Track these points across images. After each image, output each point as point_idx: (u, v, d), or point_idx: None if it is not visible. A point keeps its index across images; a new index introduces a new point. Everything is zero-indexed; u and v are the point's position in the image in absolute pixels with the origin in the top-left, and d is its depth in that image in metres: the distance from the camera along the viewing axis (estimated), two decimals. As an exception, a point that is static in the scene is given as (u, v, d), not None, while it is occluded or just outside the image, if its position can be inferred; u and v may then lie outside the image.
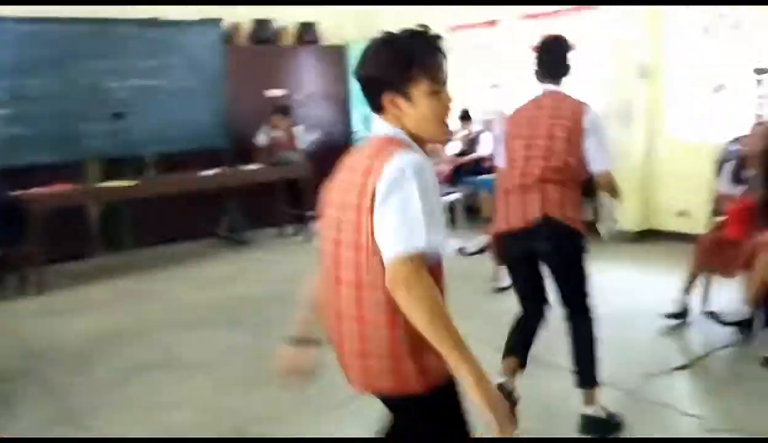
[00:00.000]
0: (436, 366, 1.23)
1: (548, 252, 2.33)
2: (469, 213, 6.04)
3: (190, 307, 4.16)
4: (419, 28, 1.31)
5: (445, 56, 1.31)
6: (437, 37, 1.30)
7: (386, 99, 1.29)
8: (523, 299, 2.50)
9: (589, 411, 2.38)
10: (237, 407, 2.77)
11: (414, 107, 1.28)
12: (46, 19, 5.36)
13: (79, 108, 5.48)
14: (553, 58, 2.42)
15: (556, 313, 2.49)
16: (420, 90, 1.27)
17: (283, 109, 6.07)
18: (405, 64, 1.27)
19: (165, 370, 3.19)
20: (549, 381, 2.79)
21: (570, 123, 2.30)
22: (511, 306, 3.85)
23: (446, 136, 1.37)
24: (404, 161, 1.21)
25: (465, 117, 6.19)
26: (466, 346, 1.14)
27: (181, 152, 5.87)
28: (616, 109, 5.11)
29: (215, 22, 6.18)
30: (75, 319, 4.15)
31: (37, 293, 4.69)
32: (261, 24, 6.68)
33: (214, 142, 6.04)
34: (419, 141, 1.33)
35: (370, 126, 8.54)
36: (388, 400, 1.36)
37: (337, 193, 1.34)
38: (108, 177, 5.37)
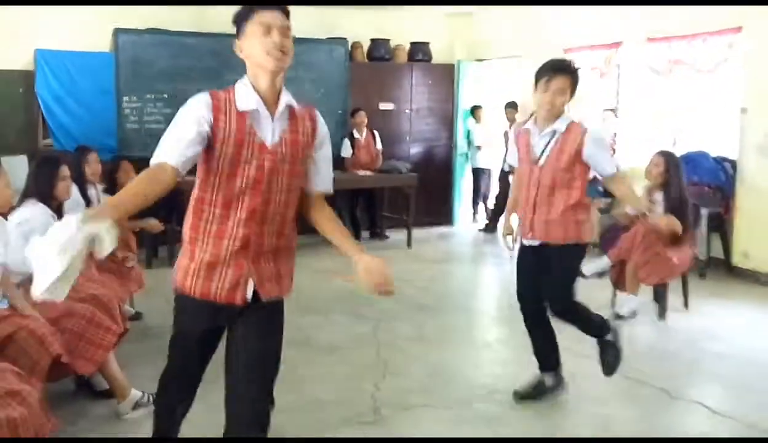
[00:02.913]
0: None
1: None
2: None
3: (312, 295, 4.50)
4: None
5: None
6: None
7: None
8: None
9: None
10: (370, 390, 2.97)
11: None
12: (203, 33, 6.19)
13: (223, 112, 6.31)
14: None
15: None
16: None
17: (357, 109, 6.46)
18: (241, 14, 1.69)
19: (300, 349, 3.47)
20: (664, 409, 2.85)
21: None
22: (635, 334, 3.87)
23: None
24: None
25: None
26: None
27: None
28: (760, 142, 4.87)
29: (342, 40, 6.80)
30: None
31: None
32: (378, 43, 7.16)
33: (336, 149, 6.60)
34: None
35: (471, 141, 8.85)
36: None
37: None
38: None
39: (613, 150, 6.28)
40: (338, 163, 6.52)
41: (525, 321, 2.87)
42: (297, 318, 4.02)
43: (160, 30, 6.07)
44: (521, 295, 2.85)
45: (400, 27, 7.31)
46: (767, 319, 4.11)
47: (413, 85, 7.27)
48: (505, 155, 6.62)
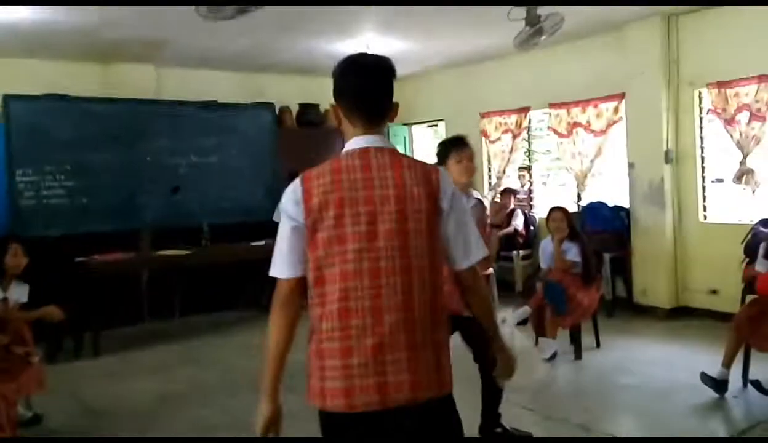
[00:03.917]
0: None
1: None
2: (502, 286, 6.32)
3: (243, 373, 4.23)
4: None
5: None
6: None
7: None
8: None
9: None
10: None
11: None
12: (110, 99, 5.85)
13: (139, 181, 5.87)
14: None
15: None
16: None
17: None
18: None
19: (233, 431, 3.27)
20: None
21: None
22: (555, 376, 4.04)
23: None
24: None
25: (507, 192, 6.62)
26: None
27: (233, 225, 6.09)
28: (646, 192, 5.48)
29: (269, 105, 6.75)
30: (133, 381, 4.31)
31: (93, 356, 4.88)
32: (307, 107, 7.17)
33: (265, 216, 5.92)
34: None
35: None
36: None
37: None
38: (161, 246, 5.63)
39: (531, 205, 6.84)
40: (272, 230, 6.30)
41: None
42: (227, 398, 3.87)
43: (59, 95, 5.64)
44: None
45: (329, 91, 7.47)
46: (665, 350, 4.54)
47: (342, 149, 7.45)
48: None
